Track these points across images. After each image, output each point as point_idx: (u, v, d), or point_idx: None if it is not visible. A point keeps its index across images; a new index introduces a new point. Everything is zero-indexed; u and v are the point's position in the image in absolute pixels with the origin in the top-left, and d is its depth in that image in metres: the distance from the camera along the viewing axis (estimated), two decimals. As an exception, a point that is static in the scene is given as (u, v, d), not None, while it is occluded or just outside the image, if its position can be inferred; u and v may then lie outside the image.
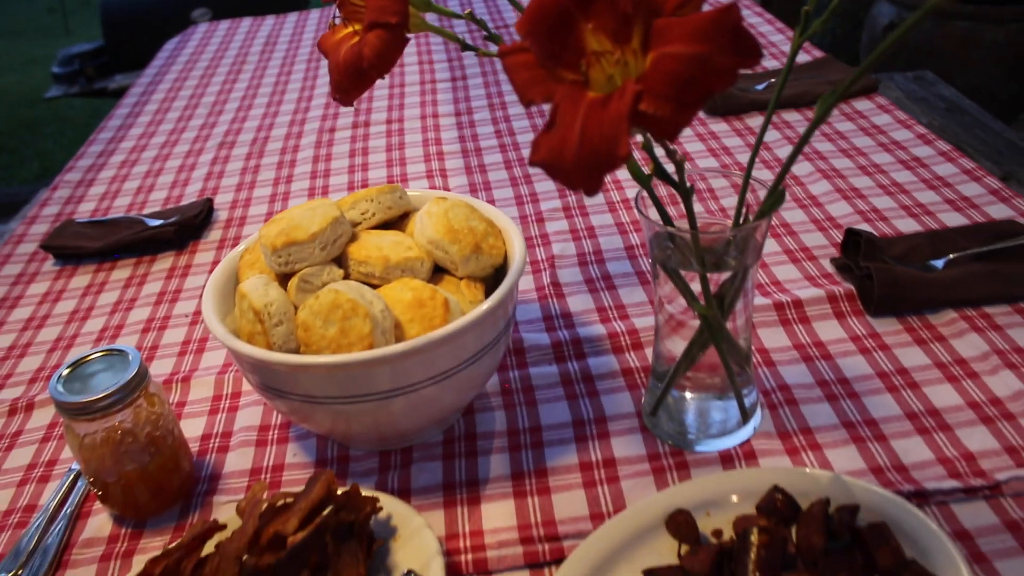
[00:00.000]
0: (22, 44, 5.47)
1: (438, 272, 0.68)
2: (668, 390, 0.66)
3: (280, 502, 0.54)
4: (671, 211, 0.58)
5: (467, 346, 0.60)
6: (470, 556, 0.58)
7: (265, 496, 0.54)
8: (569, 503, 0.61)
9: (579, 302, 0.83)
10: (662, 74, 0.39)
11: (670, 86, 0.39)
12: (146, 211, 1.11)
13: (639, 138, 0.52)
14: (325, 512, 0.54)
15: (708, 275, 0.58)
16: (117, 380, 0.59)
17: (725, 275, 0.59)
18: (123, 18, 2.91)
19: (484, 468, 0.65)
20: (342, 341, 0.58)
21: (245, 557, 0.51)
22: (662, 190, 0.59)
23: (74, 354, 0.82)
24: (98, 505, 0.67)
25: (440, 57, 1.51)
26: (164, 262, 0.99)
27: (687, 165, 0.59)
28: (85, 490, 0.68)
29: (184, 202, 1.11)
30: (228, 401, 0.76)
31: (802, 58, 1.32)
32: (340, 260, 0.66)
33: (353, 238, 0.67)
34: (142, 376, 0.61)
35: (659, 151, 0.55)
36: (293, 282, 0.64)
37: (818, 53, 1.33)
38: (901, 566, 0.51)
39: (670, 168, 0.54)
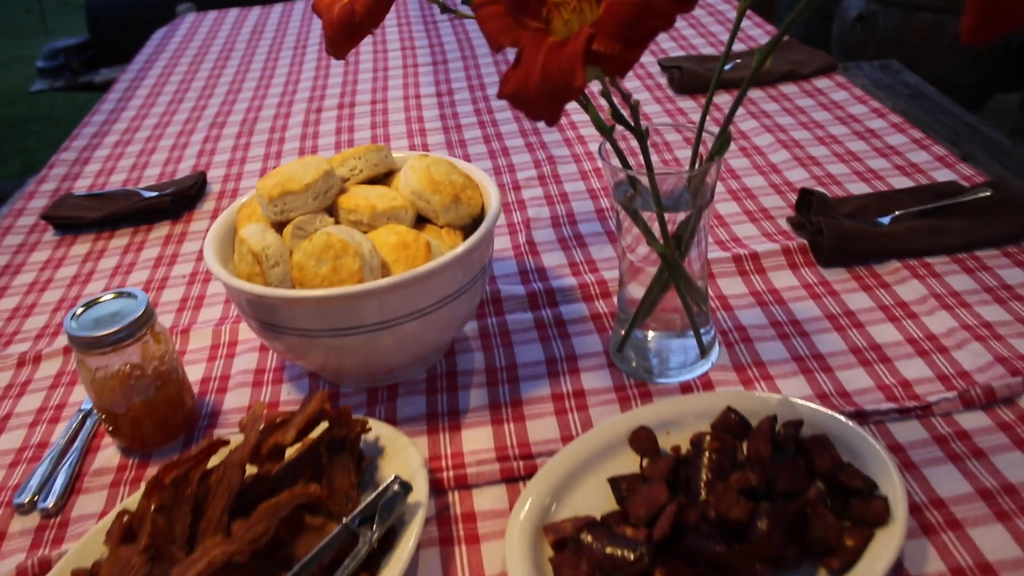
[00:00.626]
0: (0, 45, 5.46)
1: (421, 222, 0.73)
2: (632, 329, 0.72)
3: (279, 419, 0.60)
4: (632, 166, 0.65)
5: (447, 284, 0.66)
6: (451, 473, 0.64)
7: (264, 414, 0.59)
8: (542, 428, 0.67)
9: (552, 258, 0.88)
10: (612, 17, 0.45)
11: (619, 27, 0.45)
12: (141, 185, 1.15)
13: (598, 86, 0.58)
14: (320, 430, 0.60)
15: (665, 216, 0.64)
16: (127, 317, 0.65)
17: (681, 217, 0.65)
18: (108, 13, 2.95)
19: (464, 400, 0.71)
20: (334, 278, 0.64)
21: (247, 466, 0.57)
22: (629, 165, 0.65)
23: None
24: (107, 440, 0.72)
25: (422, 43, 1.57)
26: (161, 230, 1.04)
27: (646, 124, 0.65)
28: (94, 427, 0.73)
29: (178, 177, 1.16)
30: (225, 349, 0.81)
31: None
32: (331, 210, 0.72)
33: (343, 191, 0.72)
34: (149, 314, 0.66)
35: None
36: (288, 229, 0.69)
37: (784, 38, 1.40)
38: (838, 468, 0.58)
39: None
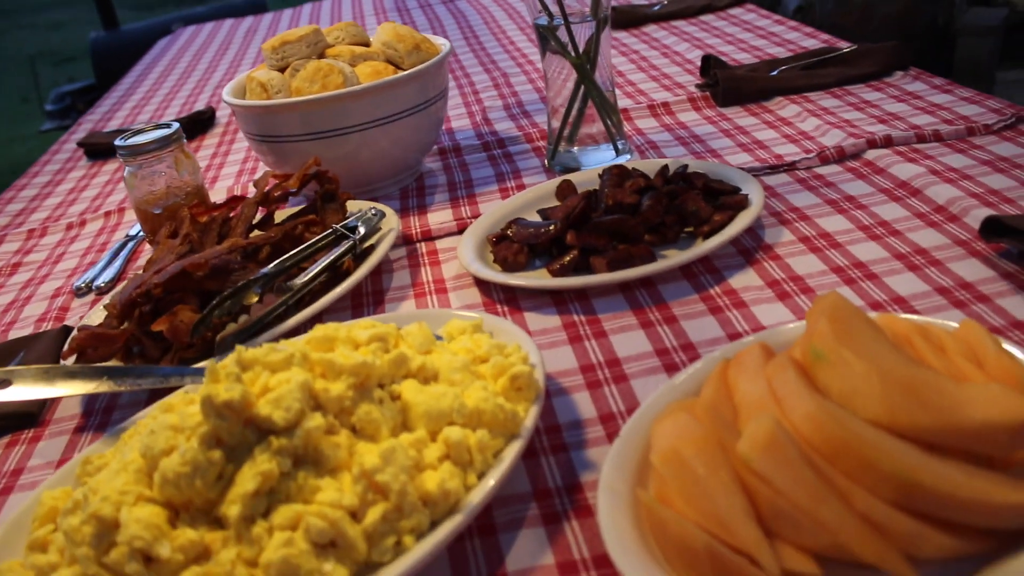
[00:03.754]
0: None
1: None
2: (561, 137, 0.90)
3: (283, 178, 0.78)
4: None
5: (409, 96, 0.84)
6: (419, 231, 0.82)
7: (272, 173, 0.77)
8: (491, 205, 0.85)
9: (502, 125, 1.07)
10: None
11: None
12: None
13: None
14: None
15: (575, 36, 0.83)
16: (162, 133, 0.83)
17: (587, 38, 0.84)
18: (111, 57, 3.19)
19: (430, 199, 0.89)
20: (323, 93, 0.83)
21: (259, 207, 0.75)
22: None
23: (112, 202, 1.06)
24: (146, 250, 0.90)
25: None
26: (177, 147, 1.23)
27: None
28: (135, 246, 0.91)
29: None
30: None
31: (693, -8, 1.61)
32: (320, 58, 0.91)
33: (329, 46, 0.92)
34: (180, 134, 0.85)
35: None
36: (287, 71, 0.88)
37: (706, -12, 1.62)
38: (709, 183, 0.75)
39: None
